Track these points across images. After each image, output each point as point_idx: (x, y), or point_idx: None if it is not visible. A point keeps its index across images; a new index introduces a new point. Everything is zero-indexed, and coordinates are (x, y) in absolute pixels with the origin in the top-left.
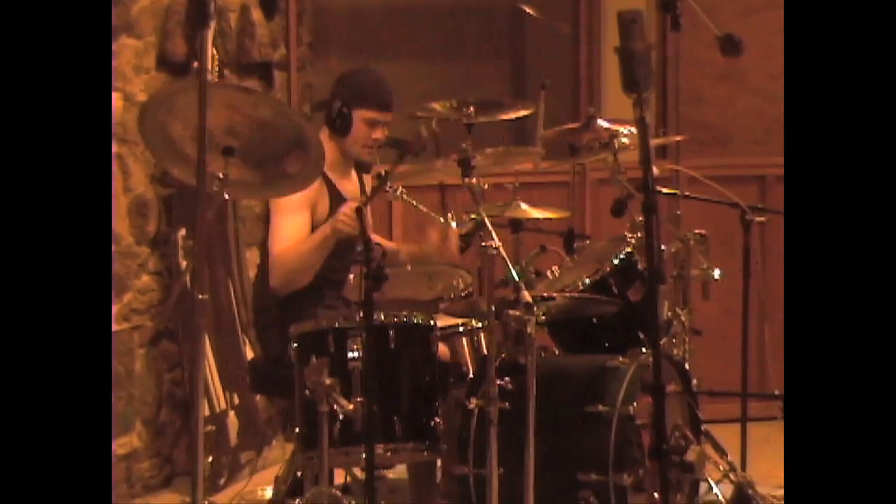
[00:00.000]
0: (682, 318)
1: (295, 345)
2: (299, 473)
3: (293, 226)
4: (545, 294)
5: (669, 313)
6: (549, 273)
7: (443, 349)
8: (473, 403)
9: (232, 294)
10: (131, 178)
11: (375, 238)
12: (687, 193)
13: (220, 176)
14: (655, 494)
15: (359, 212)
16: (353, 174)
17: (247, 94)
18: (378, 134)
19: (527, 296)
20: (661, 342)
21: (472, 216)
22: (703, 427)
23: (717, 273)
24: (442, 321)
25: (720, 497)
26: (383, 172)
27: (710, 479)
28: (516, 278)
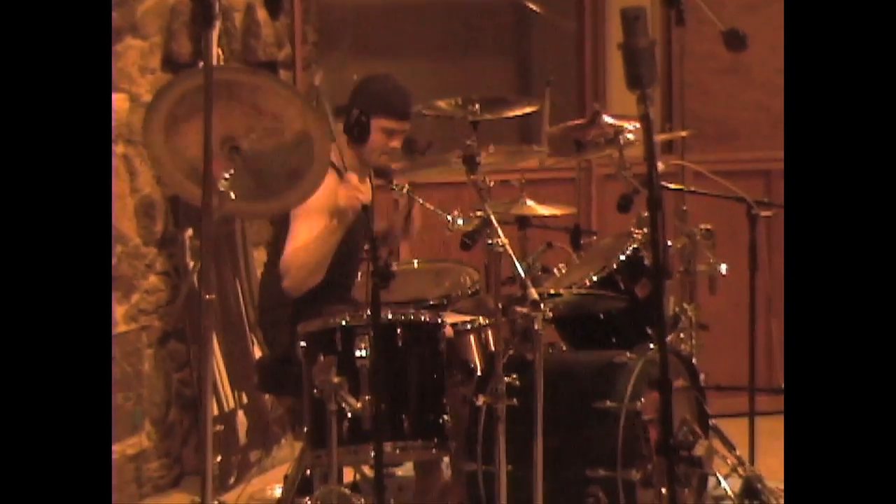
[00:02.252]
0: (690, 313)
1: (303, 343)
2: (308, 472)
3: (310, 228)
4: (552, 290)
5: (676, 308)
6: (555, 270)
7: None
8: (481, 400)
9: (240, 293)
10: (138, 179)
11: None
12: (693, 188)
13: (227, 176)
14: (664, 490)
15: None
16: (368, 180)
17: (254, 76)
18: (396, 142)
19: (534, 293)
20: (669, 337)
21: (478, 213)
22: (711, 422)
23: (723, 268)
24: (450, 318)
25: (728, 491)
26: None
27: (718, 474)
28: (523, 275)
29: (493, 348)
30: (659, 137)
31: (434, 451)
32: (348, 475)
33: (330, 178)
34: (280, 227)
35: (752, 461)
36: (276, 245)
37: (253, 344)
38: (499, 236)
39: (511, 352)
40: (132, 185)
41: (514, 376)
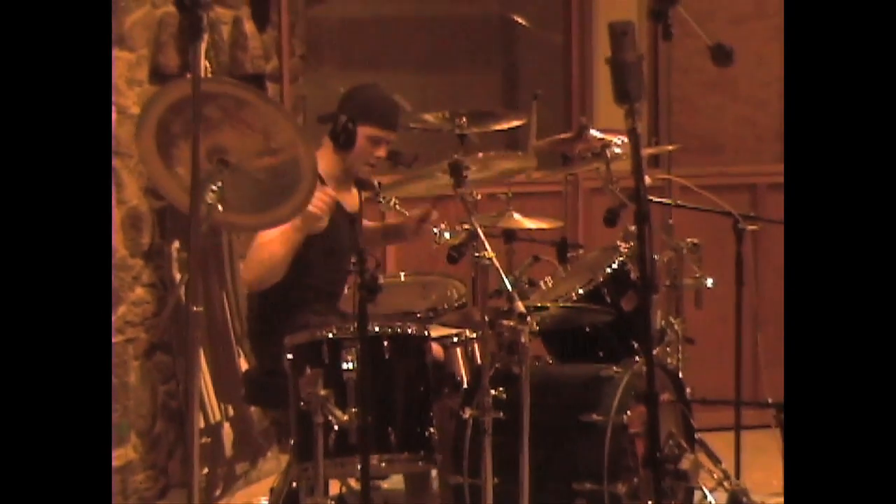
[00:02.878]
0: (676, 326)
1: (289, 356)
2: (294, 484)
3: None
4: (539, 304)
5: (663, 322)
6: (542, 283)
7: (436, 348)
8: (468, 413)
9: (226, 306)
10: (125, 191)
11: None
12: (679, 202)
13: (214, 188)
14: (650, 503)
15: (340, 209)
16: (353, 189)
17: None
18: (381, 152)
19: (520, 306)
20: (655, 351)
21: (465, 226)
22: (697, 435)
23: (709, 282)
24: (436, 331)
25: None
26: (378, 185)
27: (704, 488)
28: (510, 288)
29: (479, 361)
30: (645, 151)
31: (420, 463)
32: (334, 488)
33: None
34: None
35: (737, 475)
36: None
37: (239, 356)
38: (486, 249)
39: (498, 365)
40: (119, 196)
41: (501, 389)
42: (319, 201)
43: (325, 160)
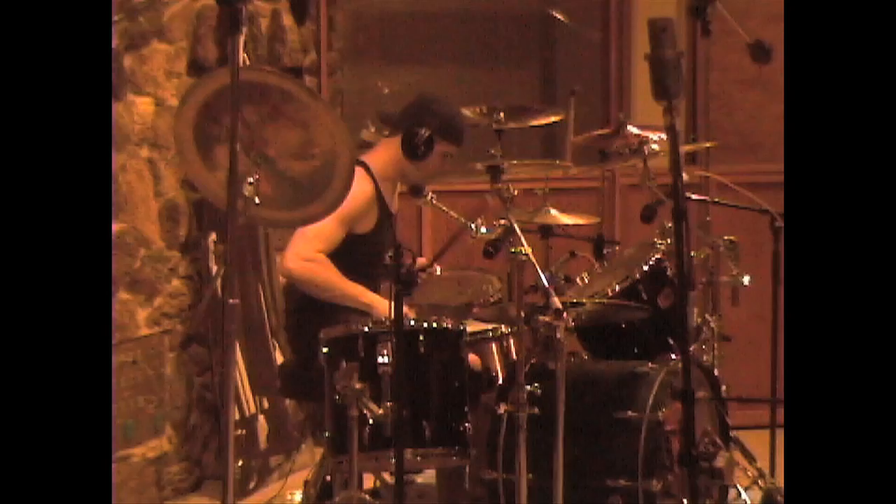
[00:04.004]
0: (712, 324)
1: (325, 349)
2: (328, 478)
3: (325, 230)
4: (574, 300)
5: (699, 319)
6: (578, 279)
7: (473, 358)
8: (503, 409)
9: (262, 298)
10: (162, 183)
11: None
12: (716, 200)
13: (251, 181)
14: (684, 501)
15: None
16: (399, 187)
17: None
18: (448, 167)
19: (556, 302)
20: (691, 348)
21: (502, 222)
22: (732, 433)
23: (746, 279)
24: (472, 326)
25: (749, 503)
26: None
27: (738, 486)
28: (546, 284)
29: (514, 357)
30: (683, 148)
31: (454, 458)
32: (368, 481)
33: (358, 190)
34: None
35: (772, 473)
36: None
37: (275, 349)
38: (522, 245)
39: (533, 360)
40: (156, 188)
41: (536, 385)
42: (382, 314)
43: (382, 159)
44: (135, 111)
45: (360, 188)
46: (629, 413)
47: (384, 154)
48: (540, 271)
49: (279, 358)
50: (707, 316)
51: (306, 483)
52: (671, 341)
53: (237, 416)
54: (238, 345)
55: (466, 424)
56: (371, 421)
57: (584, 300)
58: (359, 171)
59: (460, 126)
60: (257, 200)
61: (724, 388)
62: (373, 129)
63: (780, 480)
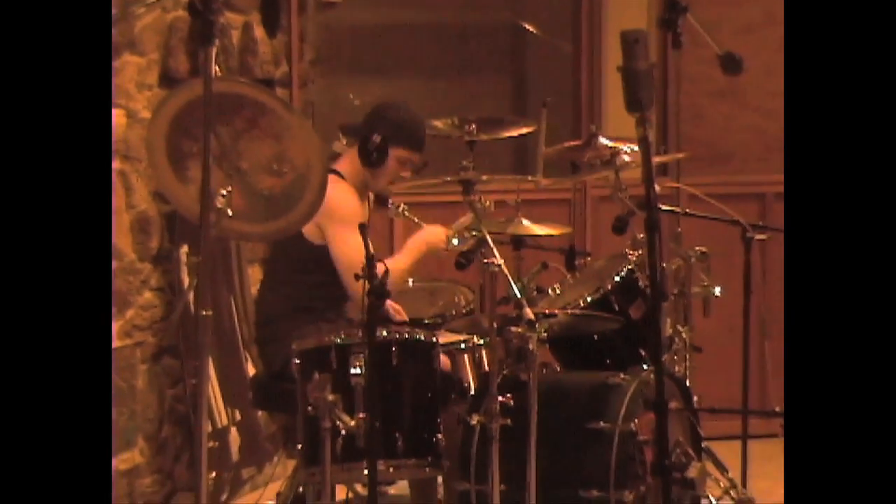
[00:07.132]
0: (683, 335)
1: (297, 361)
2: (301, 489)
3: (353, 241)
4: (547, 311)
5: (670, 330)
6: (550, 290)
7: (443, 360)
8: (475, 420)
9: (234, 310)
10: (134, 195)
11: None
12: (688, 211)
13: (223, 193)
14: None
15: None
16: (367, 203)
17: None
18: (406, 172)
19: (529, 313)
20: (663, 359)
21: (474, 233)
22: (704, 444)
23: (717, 290)
24: (444, 338)
25: None
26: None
27: (710, 496)
28: (518, 295)
29: (487, 368)
30: (654, 160)
31: (427, 469)
32: (341, 493)
33: (349, 192)
34: (279, 245)
35: (744, 484)
36: (272, 262)
37: (246, 361)
38: (494, 256)
39: (505, 372)
40: (128, 200)
41: (509, 396)
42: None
43: (348, 170)
44: None
45: (342, 190)
46: (601, 424)
47: (349, 165)
48: (512, 282)
49: (251, 370)
50: (678, 327)
51: (279, 495)
52: (643, 352)
53: (209, 429)
54: (210, 357)
55: (439, 435)
56: (344, 432)
57: (556, 311)
58: (334, 178)
59: (416, 131)
60: (230, 213)
61: (695, 398)
62: (344, 141)
63: (751, 491)
